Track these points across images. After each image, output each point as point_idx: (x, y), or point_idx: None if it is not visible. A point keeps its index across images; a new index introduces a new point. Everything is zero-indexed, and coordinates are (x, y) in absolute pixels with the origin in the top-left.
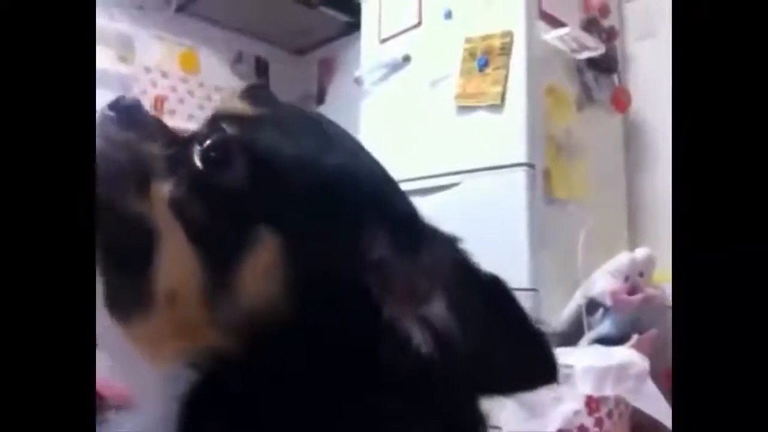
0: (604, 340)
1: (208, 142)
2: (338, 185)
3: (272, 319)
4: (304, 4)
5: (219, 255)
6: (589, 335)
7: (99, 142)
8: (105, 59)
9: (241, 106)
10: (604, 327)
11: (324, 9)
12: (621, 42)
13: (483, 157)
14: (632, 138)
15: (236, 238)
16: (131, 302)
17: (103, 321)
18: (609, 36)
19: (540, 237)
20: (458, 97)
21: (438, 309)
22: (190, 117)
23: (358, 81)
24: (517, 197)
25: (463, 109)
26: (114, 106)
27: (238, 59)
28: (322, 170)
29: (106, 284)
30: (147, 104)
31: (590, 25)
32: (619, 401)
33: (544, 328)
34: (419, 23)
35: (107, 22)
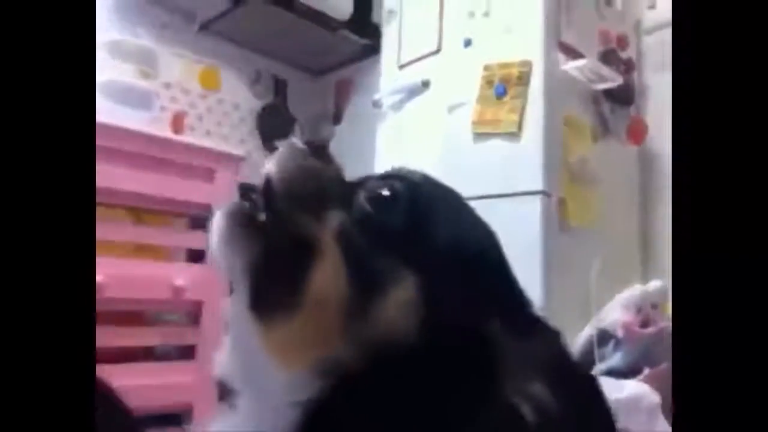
0: (615, 373)
1: (380, 190)
2: (475, 255)
3: (397, 348)
4: (324, 26)
5: (366, 280)
6: (600, 367)
7: (293, 165)
8: (127, 75)
9: (412, 172)
10: (615, 359)
11: (343, 32)
12: (638, 74)
13: (498, 184)
14: (647, 169)
15: (384, 271)
16: (279, 305)
17: (242, 324)
18: (627, 68)
19: (554, 265)
20: (475, 123)
21: (539, 390)
22: (208, 133)
23: (376, 104)
24: (531, 225)
25: (480, 136)
26: (306, 143)
27: (256, 78)
28: (465, 238)
29: (257, 287)
30: (167, 120)
31: (608, 57)
32: None
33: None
34: (438, 50)
35: (132, 39)
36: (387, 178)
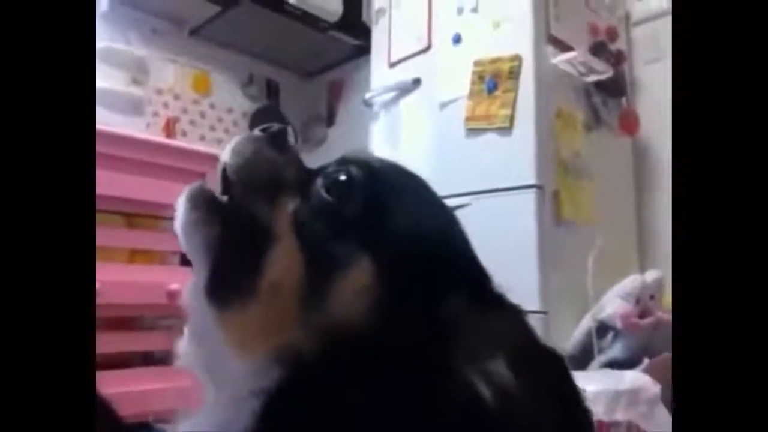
0: (615, 364)
1: (336, 176)
2: (433, 237)
3: (355, 333)
4: (315, 28)
5: (323, 265)
6: (600, 359)
7: (248, 154)
8: (119, 82)
9: (369, 156)
10: (615, 350)
11: (334, 33)
12: (629, 66)
13: (492, 179)
14: (641, 160)
15: (340, 256)
16: (235, 291)
17: (199, 308)
18: (617, 59)
19: (549, 259)
20: (467, 119)
21: (499, 367)
22: (202, 137)
23: (367, 103)
24: (526, 219)
25: (472, 131)
26: (265, 130)
27: (249, 82)
28: (423, 220)
29: (214, 273)
30: (159, 126)
31: (598, 49)
32: (630, 427)
33: (591, 410)
34: (429, 47)
35: (122, 47)
36: (343, 163)
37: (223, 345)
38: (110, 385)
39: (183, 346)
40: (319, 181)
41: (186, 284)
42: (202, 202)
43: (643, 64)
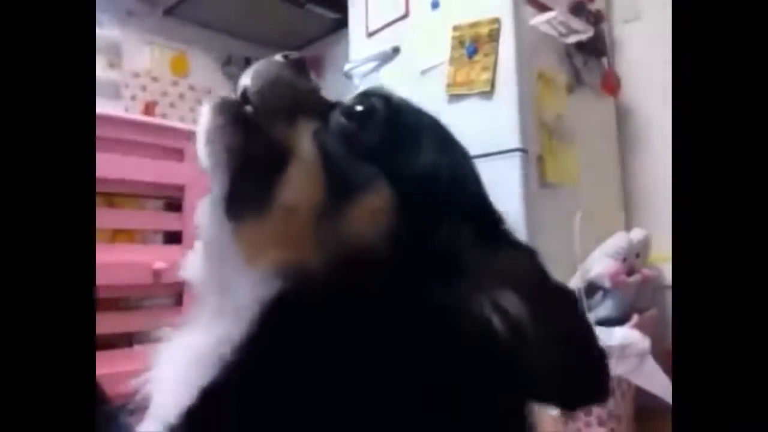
0: (605, 322)
1: (357, 105)
2: (447, 170)
3: (364, 255)
4: (292, 2)
5: (341, 186)
6: (590, 317)
7: (269, 75)
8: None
9: (389, 91)
10: (605, 309)
11: (311, 7)
12: (608, 26)
13: (476, 144)
14: (624, 121)
15: (358, 179)
16: (251, 204)
17: (216, 219)
18: (596, 19)
19: (536, 222)
20: (449, 86)
21: (512, 300)
22: (181, 119)
23: (347, 75)
24: (511, 183)
25: (454, 97)
26: (285, 56)
27: (227, 61)
28: (438, 154)
29: (231, 184)
30: (137, 110)
31: (577, 9)
32: (621, 381)
33: (604, 348)
34: (406, 14)
35: (96, 29)
36: (364, 95)
37: (234, 254)
38: (97, 366)
39: (191, 258)
40: (340, 109)
41: (172, 263)
42: (228, 109)
43: (622, 23)
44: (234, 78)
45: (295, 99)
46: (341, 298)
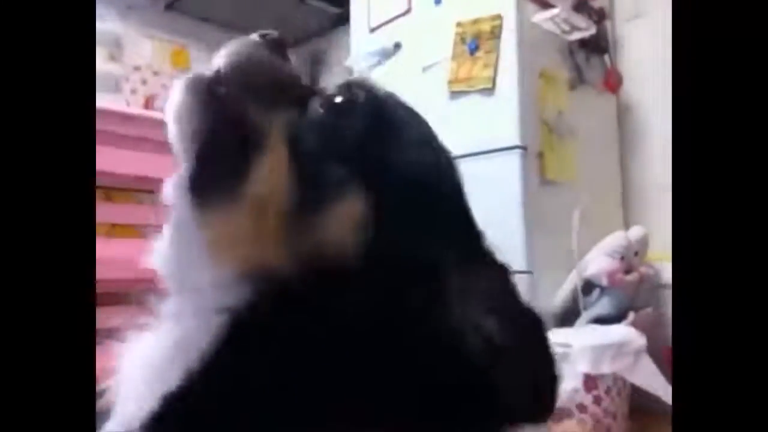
0: (601, 320)
1: (338, 96)
2: (435, 181)
3: (339, 264)
4: None
5: (314, 185)
6: (586, 315)
7: (245, 55)
8: (95, 59)
9: (373, 84)
10: (601, 307)
11: (312, 1)
12: (611, 23)
13: (477, 141)
14: (625, 118)
15: (334, 179)
16: (217, 190)
17: (181, 206)
18: (599, 16)
19: (535, 219)
20: (450, 82)
21: (486, 318)
22: None
23: (348, 71)
24: (511, 180)
25: (456, 94)
26: (263, 35)
27: None
28: (422, 157)
29: (198, 166)
30: (138, 103)
31: (579, 6)
32: (617, 379)
33: (560, 373)
34: (409, 10)
35: (96, 23)
36: (347, 86)
37: (201, 249)
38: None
39: (160, 244)
40: (320, 99)
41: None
42: (200, 87)
43: (624, 20)
44: None
45: (271, 82)
46: (313, 311)
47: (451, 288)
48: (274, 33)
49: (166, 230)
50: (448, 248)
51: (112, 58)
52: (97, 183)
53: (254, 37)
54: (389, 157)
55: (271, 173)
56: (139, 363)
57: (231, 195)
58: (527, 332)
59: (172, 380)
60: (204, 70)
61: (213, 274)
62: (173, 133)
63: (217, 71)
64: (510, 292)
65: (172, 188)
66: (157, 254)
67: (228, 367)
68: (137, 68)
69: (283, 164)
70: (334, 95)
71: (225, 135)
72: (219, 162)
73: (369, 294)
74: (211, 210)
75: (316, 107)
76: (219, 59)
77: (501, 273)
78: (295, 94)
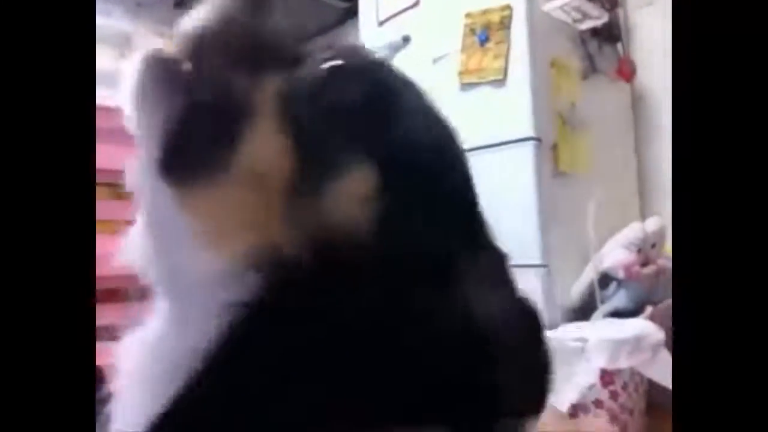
0: (618, 314)
1: (336, 59)
2: (446, 161)
3: (350, 245)
4: None
5: (318, 159)
6: (603, 309)
7: (218, 15)
8: (104, 58)
9: (372, 50)
10: (618, 300)
11: None
12: (623, 11)
13: (489, 133)
14: (639, 107)
15: (339, 152)
16: (200, 164)
17: (154, 194)
18: (611, 4)
19: (549, 212)
20: (461, 73)
21: (488, 305)
22: None
23: None
24: (525, 172)
25: (467, 85)
26: None
27: None
28: (430, 137)
29: (172, 145)
30: None
31: None
32: (634, 373)
33: (553, 364)
34: (417, 2)
35: (105, 20)
36: (344, 50)
37: (189, 235)
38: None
39: (131, 236)
40: (312, 62)
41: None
42: (162, 63)
43: (636, 7)
44: None
45: (252, 41)
46: (327, 299)
47: (457, 272)
48: None
49: (140, 224)
50: (458, 232)
51: (123, 55)
52: (108, 180)
53: None
54: (390, 126)
55: (263, 143)
56: (141, 367)
57: (218, 170)
58: (523, 325)
59: (174, 384)
60: (162, 46)
61: (207, 264)
62: (133, 120)
63: (181, 43)
64: (508, 277)
65: (139, 173)
66: (132, 249)
67: (235, 369)
68: None
69: (276, 134)
70: (328, 58)
71: (200, 114)
72: (197, 138)
73: (382, 279)
74: (193, 190)
75: (309, 71)
76: (193, 18)
77: (500, 257)
78: (281, 56)
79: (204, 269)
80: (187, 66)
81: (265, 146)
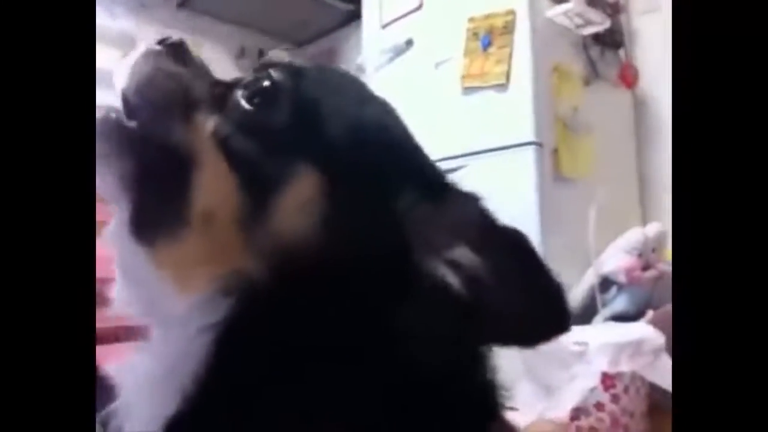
0: (619, 317)
1: (257, 84)
2: (374, 133)
3: (305, 250)
4: None
5: (259, 184)
6: (604, 313)
7: (147, 71)
8: (107, 59)
9: (289, 59)
10: (619, 304)
11: None
12: (626, 17)
13: (491, 137)
14: (641, 113)
15: (277, 171)
16: (161, 224)
17: (126, 247)
18: (613, 10)
19: (550, 216)
20: (463, 78)
21: (464, 253)
22: None
23: (359, 68)
24: (526, 177)
25: (469, 90)
26: (162, 42)
27: (241, 53)
28: (360, 118)
29: (135, 207)
30: None
31: (594, 0)
32: (635, 377)
33: (560, 280)
34: (420, 6)
35: (109, 21)
36: (263, 69)
37: (162, 283)
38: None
39: (117, 290)
40: (239, 93)
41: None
42: (109, 131)
43: (639, 14)
44: (247, 71)
45: (182, 90)
46: (294, 305)
47: (417, 232)
48: (172, 37)
49: (118, 274)
50: (411, 192)
51: (126, 56)
52: None
53: (153, 46)
54: (325, 129)
55: (211, 184)
56: (138, 389)
57: (176, 223)
58: (509, 252)
59: (169, 405)
60: (109, 110)
61: (182, 300)
62: (100, 181)
63: (125, 98)
64: (482, 217)
65: (113, 235)
66: (120, 300)
67: (223, 383)
68: None
69: (220, 174)
70: (252, 82)
71: (152, 171)
72: (155, 198)
73: (342, 267)
74: (160, 243)
75: (237, 102)
76: (122, 81)
77: (469, 201)
78: (212, 94)
79: (178, 304)
80: (131, 124)
81: (212, 188)
